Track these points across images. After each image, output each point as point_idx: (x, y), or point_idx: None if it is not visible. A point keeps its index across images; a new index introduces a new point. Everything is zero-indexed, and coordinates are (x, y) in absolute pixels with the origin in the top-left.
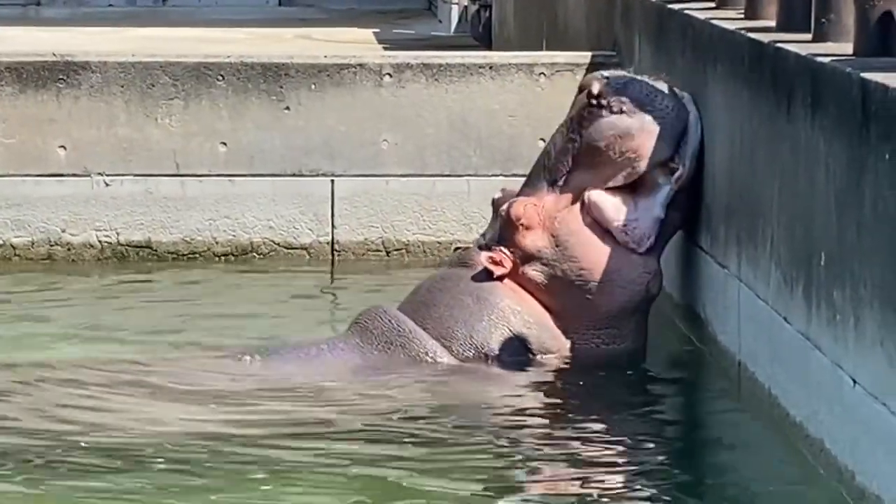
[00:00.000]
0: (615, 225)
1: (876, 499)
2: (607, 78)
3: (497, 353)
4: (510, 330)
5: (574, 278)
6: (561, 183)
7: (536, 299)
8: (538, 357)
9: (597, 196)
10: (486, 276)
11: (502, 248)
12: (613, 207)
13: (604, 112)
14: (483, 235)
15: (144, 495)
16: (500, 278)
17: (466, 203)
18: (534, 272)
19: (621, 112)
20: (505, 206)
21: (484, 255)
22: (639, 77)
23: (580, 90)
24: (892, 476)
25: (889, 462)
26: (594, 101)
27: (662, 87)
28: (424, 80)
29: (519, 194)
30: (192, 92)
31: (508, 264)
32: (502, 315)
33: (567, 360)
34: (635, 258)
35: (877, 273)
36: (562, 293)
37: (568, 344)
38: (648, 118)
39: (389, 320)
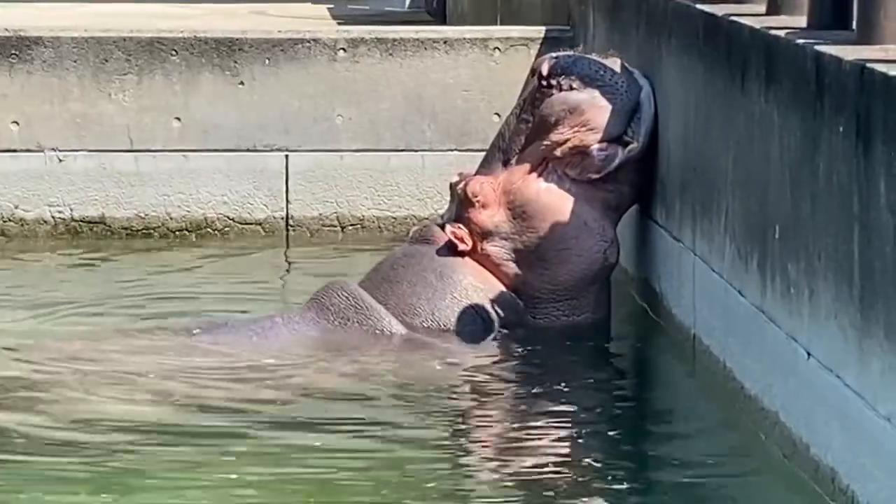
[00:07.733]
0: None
1: (830, 471)
2: (556, 58)
3: (459, 329)
4: (473, 307)
5: (532, 249)
6: (514, 162)
7: (496, 276)
8: (500, 333)
9: None
10: (449, 252)
11: (461, 226)
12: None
13: (554, 91)
14: (441, 217)
15: (90, 481)
16: (462, 254)
17: (421, 178)
18: (493, 248)
19: (571, 88)
20: (461, 185)
21: (448, 228)
22: (588, 55)
23: (531, 73)
24: (846, 448)
25: (843, 435)
26: (544, 82)
27: (613, 63)
28: (379, 54)
29: (475, 175)
30: (145, 67)
31: (469, 241)
32: (465, 292)
33: (528, 335)
34: (592, 226)
35: (831, 246)
36: (521, 266)
37: (529, 319)
38: (598, 93)
39: (347, 296)
